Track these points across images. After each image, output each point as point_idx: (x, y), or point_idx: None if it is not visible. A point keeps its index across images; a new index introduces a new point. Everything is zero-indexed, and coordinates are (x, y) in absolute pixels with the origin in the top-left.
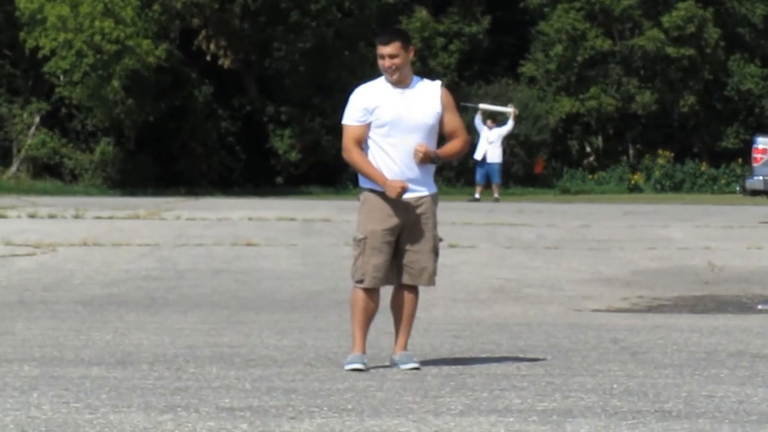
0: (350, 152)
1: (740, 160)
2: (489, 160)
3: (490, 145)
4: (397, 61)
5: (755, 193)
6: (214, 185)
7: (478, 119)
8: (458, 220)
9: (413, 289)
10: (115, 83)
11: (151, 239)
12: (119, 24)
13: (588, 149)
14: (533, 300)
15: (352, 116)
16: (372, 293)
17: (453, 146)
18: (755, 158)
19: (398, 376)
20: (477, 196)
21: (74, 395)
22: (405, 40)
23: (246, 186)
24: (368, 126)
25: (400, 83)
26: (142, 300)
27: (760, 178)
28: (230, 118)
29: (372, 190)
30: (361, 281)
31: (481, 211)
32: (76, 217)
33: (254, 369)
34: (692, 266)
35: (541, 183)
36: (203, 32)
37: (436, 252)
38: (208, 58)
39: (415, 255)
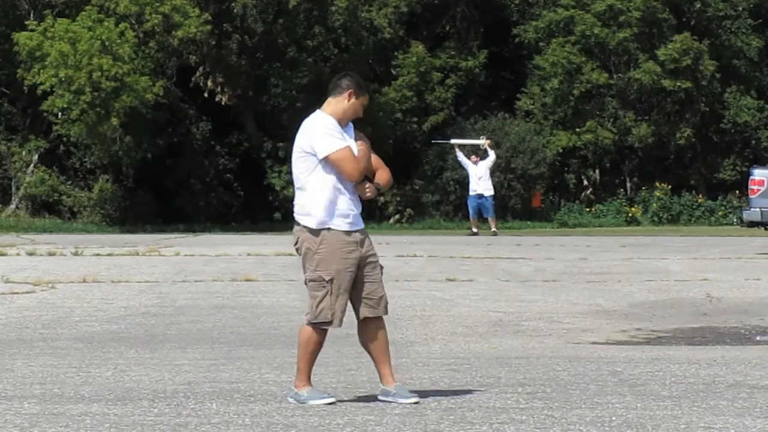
0: (360, 167)
1: (737, 191)
2: (481, 194)
3: (479, 180)
4: None
5: (752, 224)
6: (213, 221)
7: (461, 156)
8: (457, 254)
9: (380, 320)
10: (114, 121)
11: (150, 276)
12: (117, 61)
13: (585, 182)
14: (532, 333)
15: (338, 141)
16: (326, 332)
17: (383, 176)
18: (752, 190)
19: (397, 410)
20: (474, 230)
21: None
22: None
23: (244, 222)
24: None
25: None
26: (141, 336)
27: (757, 209)
28: (228, 155)
29: (329, 229)
30: (329, 322)
31: (479, 245)
32: (75, 254)
33: (254, 404)
34: (690, 298)
35: (538, 217)
36: (200, 69)
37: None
38: (206, 94)
39: (372, 285)
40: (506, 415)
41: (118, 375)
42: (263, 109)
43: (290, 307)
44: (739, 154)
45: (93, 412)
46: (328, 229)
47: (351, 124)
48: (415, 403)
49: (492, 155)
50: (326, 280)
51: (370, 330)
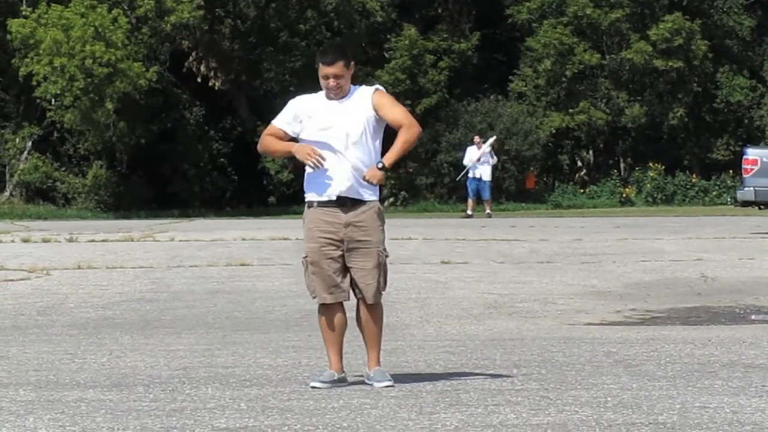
0: (261, 142)
1: (731, 171)
2: (480, 177)
3: (479, 164)
4: (341, 81)
5: (746, 204)
6: (207, 206)
7: (472, 158)
8: (451, 237)
9: (372, 306)
10: (109, 105)
11: (145, 261)
12: (110, 47)
13: (579, 163)
14: (526, 315)
15: (280, 118)
16: (332, 309)
17: (398, 143)
18: (745, 169)
19: (393, 393)
20: (469, 212)
21: (70, 418)
22: (347, 57)
23: (239, 206)
24: (287, 136)
25: (339, 97)
26: (136, 322)
27: (751, 188)
28: (222, 139)
29: (310, 205)
30: (313, 297)
31: (474, 227)
32: (70, 240)
33: (249, 389)
34: (685, 278)
35: (533, 198)
36: (193, 54)
37: (380, 267)
38: (199, 79)
39: (358, 271)
40: (501, 397)
41: (114, 361)
42: (256, 93)
43: (285, 292)
44: (733, 134)
45: (88, 398)
46: (309, 205)
47: (357, 88)
48: (387, 386)
49: (494, 158)
50: (303, 256)
51: (362, 313)
